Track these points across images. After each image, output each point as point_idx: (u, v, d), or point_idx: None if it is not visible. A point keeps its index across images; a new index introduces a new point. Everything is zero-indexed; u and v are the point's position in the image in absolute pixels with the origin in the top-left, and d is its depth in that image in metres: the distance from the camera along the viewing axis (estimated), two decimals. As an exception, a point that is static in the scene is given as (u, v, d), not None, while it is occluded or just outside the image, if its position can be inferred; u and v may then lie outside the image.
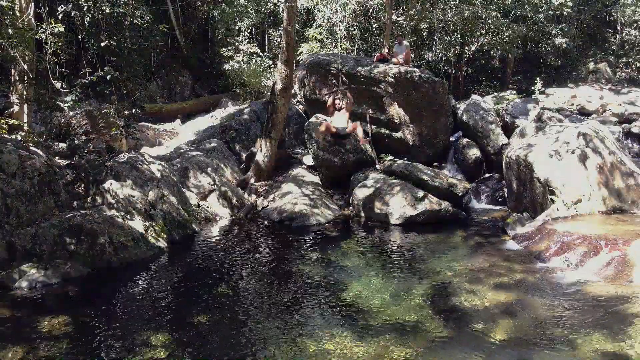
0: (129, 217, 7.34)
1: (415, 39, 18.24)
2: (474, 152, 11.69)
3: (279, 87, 11.08)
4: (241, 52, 17.59)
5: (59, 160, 9.30)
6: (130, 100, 9.72)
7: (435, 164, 11.89)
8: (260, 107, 14.09)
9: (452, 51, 18.67)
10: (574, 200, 7.92)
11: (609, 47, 19.69)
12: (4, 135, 7.73)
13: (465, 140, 12.10)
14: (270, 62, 18.44)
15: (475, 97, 12.87)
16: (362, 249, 7.72)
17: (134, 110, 9.51)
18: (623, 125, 12.53)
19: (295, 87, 13.69)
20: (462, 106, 13.18)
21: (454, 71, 18.96)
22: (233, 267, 6.88)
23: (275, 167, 11.61)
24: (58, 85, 8.06)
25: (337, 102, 8.08)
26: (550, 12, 17.90)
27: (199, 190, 10.19)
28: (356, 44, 18.58)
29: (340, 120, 7.95)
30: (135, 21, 10.13)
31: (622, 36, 19.41)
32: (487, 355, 4.22)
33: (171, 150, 12.57)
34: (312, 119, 11.35)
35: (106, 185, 7.92)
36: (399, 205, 9.22)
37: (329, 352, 4.31)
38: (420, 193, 9.32)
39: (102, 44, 8.65)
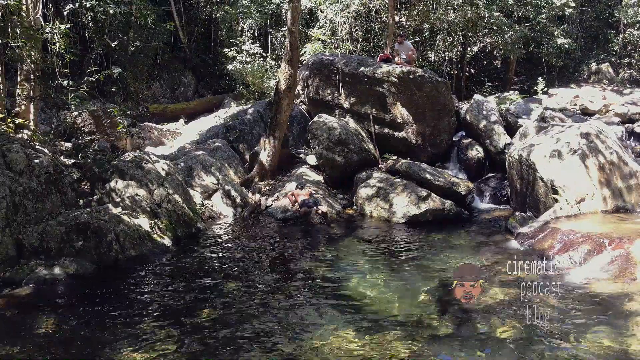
0: (134, 215, 7.39)
1: (417, 39, 18.27)
2: (477, 152, 11.73)
3: (282, 86, 11.14)
4: (244, 52, 17.66)
5: (65, 159, 9.37)
6: (136, 99, 9.78)
7: (438, 163, 11.94)
8: (263, 107, 14.16)
9: (454, 52, 18.70)
10: (577, 199, 7.96)
11: (611, 47, 19.69)
12: (11, 134, 7.79)
13: (468, 140, 12.14)
14: (273, 62, 18.50)
15: (478, 97, 12.91)
16: (365, 247, 7.76)
17: (140, 109, 9.56)
18: (626, 125, 12.58)
19: (299, 87, 13.74)
20: (465, 106, 13.22)
21: (456, 72, 18.98)
22: (237, 264, 6.92)
23: (279, 166, 11.67)
24: (64, 83, 8.12)
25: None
26: (553, 12, 17.92)
27: (203, 189, 10.25)
28: (359, 45, 18.62)
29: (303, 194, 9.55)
30: (139, 21, 10.20)
31: (625, 37, 19.41)
32: (491, 351, 4.24)
33: (175, 150, 12.63)
34: (316, 119, 11.39)
35: (112, 183, 7.98)
36: (402, 204, 9.26)
37: (334, 347, 4.34)
38: (424, 192, 9.36)
39: (109, 44, 8.72)
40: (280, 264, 7.08)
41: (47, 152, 7.71)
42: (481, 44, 20.13)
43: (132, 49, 10.07)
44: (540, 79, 16.49)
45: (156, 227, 7.57)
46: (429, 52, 19.33)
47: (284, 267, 6.96)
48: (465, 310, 5.12)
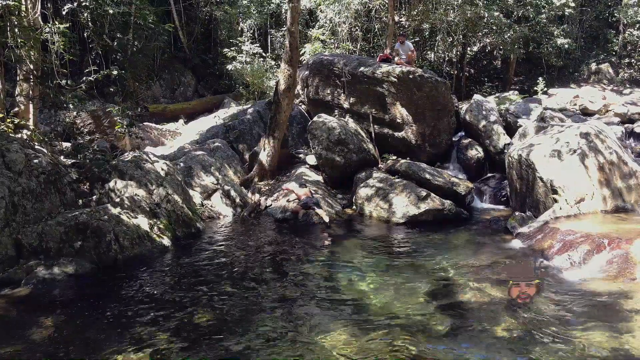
0: (134, 215, 7.39)
1: (417, 39, 18.28)
2: (477, 152, 11.73)
3: (282, 86, 11.14)
4: (244, 52, 17.66)
5: (64, 160, 9.36)
6: (135, 99, 9.78)
7: (438, 163, 11.93)
8: (263, 107, 14.16)
9: (454, 52, 18.71)
10: (576, 199, 7.95)
11: (611, 47, 19.70)
12: (10, 134, 7.78)
13: (468, 140, 12.13)
14: (273, 62, 18.51)
15: (478, 97, 12.91)
16: (365, 247, 7.75)
17: (139, 109, 9.55)
18: (625, 125, 12.60)
19: (298, 87, 13.74)
20: (464, 106, 13.22)
21: (456, 72, 18.98)
22: (236, 265, 6.91)
23: (279, 166, 11.68)
24: (63, 82, 8.12)
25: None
26: (553, 12, 17.93)
27: (203, 189, 10.25)
28: (359, 45, 18.63)
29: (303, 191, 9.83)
30: (139, 21, 10.21)
31: (625, 37, 19.42)
32: (490, 350, 4.24)
33: (175, 150, 12.63)
34: (315, 119, 11.39)
35: (111, 184, 7.97)
36: (402, 204, 9.26)
37: (333, 347, 4.33)
38: (423, 192, 9.36)
39: (108, 44, 8.71)
40: (279, 264, 7.07)
41: (46, 152, 7.70)
42: (481, 44, 20.14)
43: (132, 49, 10.07)
44: (540, 79, 16.51)
45: (155, 227, 7.56)
46: (428, 52, 19.33)
47: (284, 267, 6.95)
48: (464, 310, 5.13)
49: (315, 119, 11.45)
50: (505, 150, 10.77)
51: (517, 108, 12.97)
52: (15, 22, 7.72)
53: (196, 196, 9.78)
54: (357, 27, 18.61)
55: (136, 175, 8.16)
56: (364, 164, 11.14)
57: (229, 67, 17.61)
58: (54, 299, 5.61)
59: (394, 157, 11.63)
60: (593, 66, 18.99)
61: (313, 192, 9.83)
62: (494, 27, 17.27)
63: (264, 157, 11.42)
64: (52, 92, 8.44)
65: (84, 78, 8.53)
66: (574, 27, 19.86)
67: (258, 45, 18.39)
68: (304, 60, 15.90)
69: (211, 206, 9.94)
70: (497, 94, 16.41)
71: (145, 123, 14.63)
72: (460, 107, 13.60)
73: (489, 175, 11.39)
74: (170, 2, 19.35)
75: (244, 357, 4.22)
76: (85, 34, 9.88)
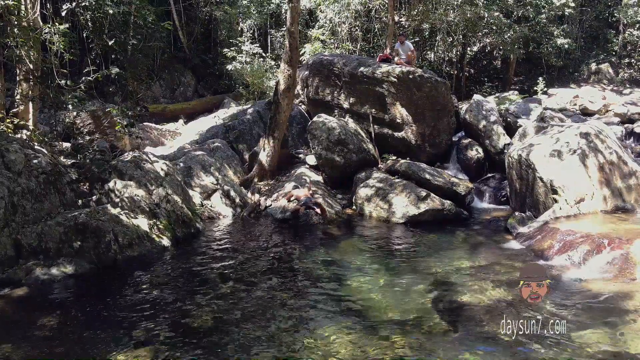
0: (133, 215, 7.38)
1: (417, 39, 18.28)
2: (477, 152, 11.71)
3: (282, 87, 11.14)
4: (244, 52, 17.66)
5: (63, 160, 9.35)
6: (134, 99, 9.78)
7: (437, 163, 11.91)
8: (263, 107, 14.16)
9: (454, 52, 18.70)
10: (576, 199, 7.95)
11: (611, 47, 19.70)
12: (10, 134, 7.78)
13: (467, 140, 12.11)
14: (273, 62, 18.51)
15: (477, 97, 12.89)
16: (365, 247, 7.75)
17: (139, 109, 9.55)
18: (625, 125, 12.59)
19: (298, 87, 13.74)
20: (464, 106, 13.20)
21: (456, 72, 18.97)
22: (236, 265, 6.91)
23: (279, 166, 11.67)
24: (62, 82, 8.12)
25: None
26: (552, 12, 17.93)
27: (203, 189, 10.24)
28: (359, 45, 18.63)
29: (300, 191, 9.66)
30: (139, 21, 10.22)
31: (625, 37, 19.42)
32: (489, 350, 4.24)
33: (174, 150, 12.63)
34: (315, 119, 11.38)
35: (111, 184, 7.96)
36: (401, 204, 9.25)
37: (333, 347, 4.34)
38: (423, 192, 9.35)
39: (109, 43, 8.70)
40: (279, 264, 7.07)
41: (46, 152, 7.70)
42: (481, 44, 20.14)
43: (131, 49, 10.07)
44: (540, 79, 16.51)
45: (155, 228, 7.56)
46: (428, 52, 19.33)
47: (283, 267, 6.95)
48: (464, 310, 5.13)
49: (315, 119, 11.44)
50: (505, 151, 10.75)
51: (517, 108, 12.96)
52: (15, 22, 7.72)
53: (196, 196, 9.77)
54: (357, 27, 18.60)
55: (136, 175, 8.15)
56: (363, 164, 11.13)
57: (229, 67, 17.61)
58: (53, 299, 5.62)
59: (394, 157, 11.62)
60: (593, 66, 18.99)
61: (313, 191, 9.82)
62: (494, 27, 17.27)
63: (263, 157, 11.42)
64: (52, 92, 8.43)
65: (84, 78, 8.53)
66: (574, 27, 19.87)
67: (258, 45, 18.39)
68: (304, 60, 15.89)
69: (211, 206, 9.93)
70: (497, 94, 16.41)
71: (145, 123, 14.63)
72: (460, 107, 13.58)
73: (489, 175, 11.38)
74: (170, 2, 19.35)
75: (244, 357, 4.22)
76: (85, 34, 9.88)
